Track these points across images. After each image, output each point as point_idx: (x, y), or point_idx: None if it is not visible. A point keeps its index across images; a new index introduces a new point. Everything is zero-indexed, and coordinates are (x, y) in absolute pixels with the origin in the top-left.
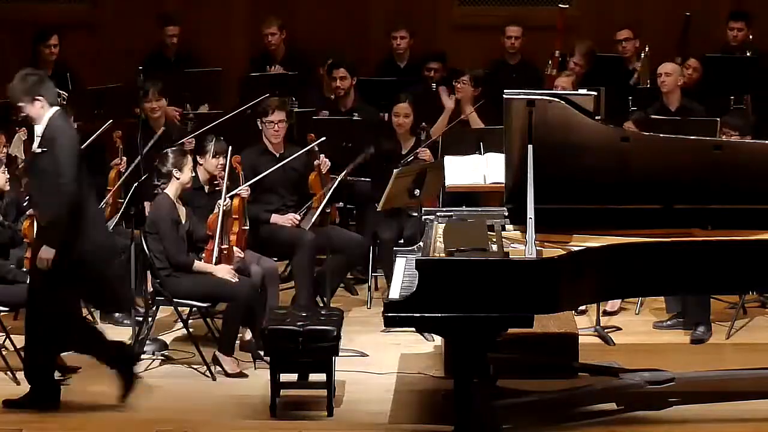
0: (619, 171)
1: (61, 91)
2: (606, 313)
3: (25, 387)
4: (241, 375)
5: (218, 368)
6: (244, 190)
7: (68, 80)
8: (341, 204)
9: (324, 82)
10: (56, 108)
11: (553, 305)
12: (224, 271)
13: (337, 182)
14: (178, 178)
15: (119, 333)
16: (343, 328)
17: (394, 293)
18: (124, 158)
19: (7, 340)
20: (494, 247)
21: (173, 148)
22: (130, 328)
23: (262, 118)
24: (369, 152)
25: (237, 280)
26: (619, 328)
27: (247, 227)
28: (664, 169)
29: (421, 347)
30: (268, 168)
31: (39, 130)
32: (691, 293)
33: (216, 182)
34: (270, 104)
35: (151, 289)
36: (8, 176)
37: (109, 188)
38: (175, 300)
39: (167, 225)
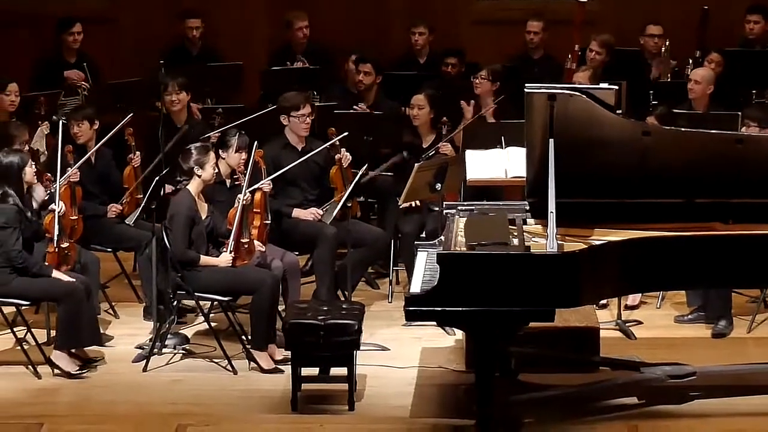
0: (640, 165)
1: (83, 83)
2: (627, 308)
3: (47, 381)
4: (277, 371)
5: (253, 364)
6: (266, 184)
7: (85, 70)
8: (363, 198)
9: (348, 77)
10: None
11: (574, 299)
12: (225, 261)
13: (366, 178)
14: (199, 176)
15: (142, 327)
16: (365, 322)
17: (416, 287)
18: (138, 153)
19: (29, 334)
20: (515, 241)
21: (197, 145)
22: (151, 322)
23: (292, 113)
24: (403, 156)
25: (244, 262)
26: (640, 322)
27: (269, 221)
28: (686, 163)
29: (442, 341)
30: (291, 162)
31: None
32: (712, 287)
33: (236, 176)
34: (299, 98)
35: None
36: (36, 170)
37: (125, 186)
38: (196, 294)
39: (180, 221)
